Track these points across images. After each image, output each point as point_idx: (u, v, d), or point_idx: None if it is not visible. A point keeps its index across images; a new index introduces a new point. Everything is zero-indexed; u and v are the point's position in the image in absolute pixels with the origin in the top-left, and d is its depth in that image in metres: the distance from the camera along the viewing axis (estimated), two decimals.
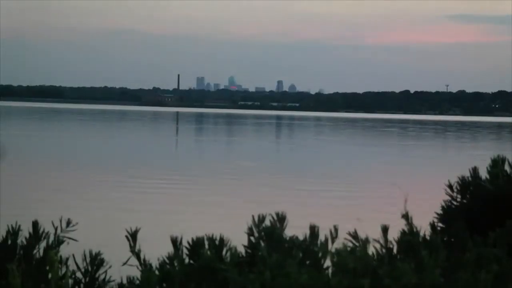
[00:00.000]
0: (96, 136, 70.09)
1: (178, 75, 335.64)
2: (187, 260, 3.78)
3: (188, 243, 3.81)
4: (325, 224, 4.05)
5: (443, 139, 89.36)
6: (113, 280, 3.94)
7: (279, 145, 66.16)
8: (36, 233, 4.12)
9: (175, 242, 3.84)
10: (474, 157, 46.92)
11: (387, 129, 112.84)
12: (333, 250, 3.73)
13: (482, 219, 4.50)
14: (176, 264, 3.75)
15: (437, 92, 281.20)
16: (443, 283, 3.59)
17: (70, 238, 4.17)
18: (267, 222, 3.89)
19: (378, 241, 3.95)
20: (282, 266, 3.55)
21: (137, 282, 3.70)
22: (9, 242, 4.09)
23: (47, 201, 24.74)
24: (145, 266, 3.83)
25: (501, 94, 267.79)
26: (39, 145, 53.16)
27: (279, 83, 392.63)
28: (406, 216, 4.21)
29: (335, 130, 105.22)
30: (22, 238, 4.11)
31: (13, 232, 4.10)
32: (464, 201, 4.72)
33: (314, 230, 3.85)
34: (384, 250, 3.94)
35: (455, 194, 4.75)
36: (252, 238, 3.86)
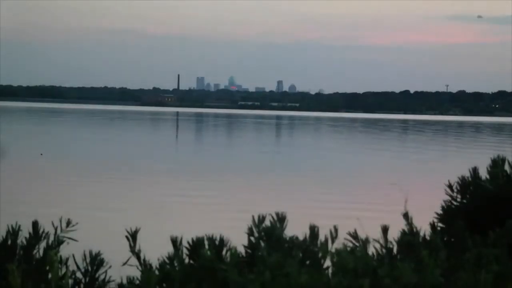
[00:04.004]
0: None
1: (178, 75, 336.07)
2: (187, 260, 3.77)
3: (188, 243, 3.81)
4: None
5: None
6: (113, 280, 3.93)
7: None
8: (36, 233, 4.12)
9: (175, 242, 3.83)
10: None
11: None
12: (333, 250, 3.73)
13: (482, 219, 4.50)
14: (176, 264, 3.74)
15: (437, 92, 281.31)
16: (443, 283, 3.59)
17: (70, 238, 4.17)
18: (267, 222, 3.89)
19: (378, 241, 3.95)
20: (282, 266, 3.55)
21: (137, 282, 3.70)
22: (9, 242, 4.09)
23: None
24: (145, 266, 3.83)
25: (501, 94, 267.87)
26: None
27: (279, 83, 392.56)
28: (406, 216, 4.21)
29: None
30: (22, 238, 4.11)
31: (13, 232, 4.10)
32: (464, 201, 4.72)
33: (314, 230, 3.85)
34: (384, 250, 3.94)
35: (455, 194, 4.75)
36: (252, 238, 3.86)
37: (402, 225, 4.17)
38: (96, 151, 50.57)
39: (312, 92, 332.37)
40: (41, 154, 44.63)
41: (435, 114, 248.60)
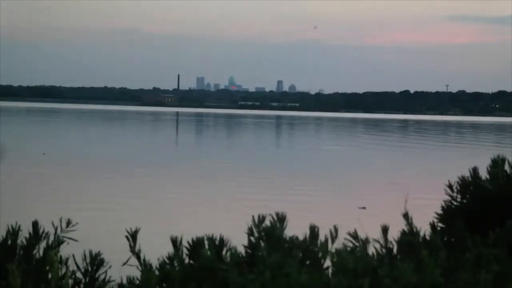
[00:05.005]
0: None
1: (178, 75, 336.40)
2: (187, 260, 3.77)
3: (188, 243, 3.81)
4: None
5: None
6: (113, 280, 3.93)
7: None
8: (36, 233, 4.12)
9: (175, 242, 3.83)
10: None
11: None
12: (333, 250, 3.73)
13: (482, 219, 4.50)
14: (176, 264, 3.74)
15: (437, 92, 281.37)
16: (443, 283, 3.59)
17: (70, 238, 4.17)
18: (267, 222, 3.89)
19: (378, 241, 3.95)
20: (282, 266, 3.55)
21: (137, 282, 3.70)
22: (9, 242, 4.09)
23: None
24: (145, 266, 3.83)
25: (501, 94, 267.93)
26: None
27: (279, 83, 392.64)
28: (406, 216, 4.22)
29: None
30: (22, 238, 4.11)
31: (13, 232, 4.10)
32: (464, 201, 4.72)
33: (314, 230, 3.85)
34: (384, 250, 3.95)
35: (455, 194, 4.75)
36: (252, 238, 3.86)
37: (402, 225, 4.18)
38: (97, 152, 50.57)
39: (312, 92, 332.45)
40: (44, 154, 44.71)
41: (435, 114, 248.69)
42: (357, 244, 3.87)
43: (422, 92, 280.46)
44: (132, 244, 3.92)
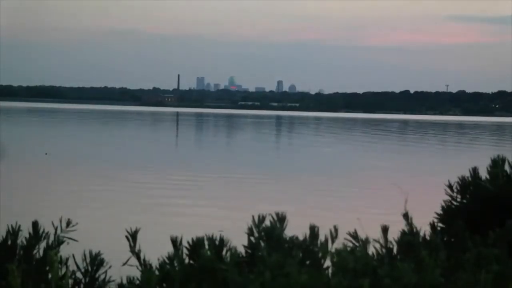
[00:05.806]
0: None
1: (178, 75, 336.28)
2: (187, 260, 3.77)
3: (188, 243, 3.81)
4: None
5: None
6: (113, 280, 3.93)
7: None
8: (36, 233, 4.12)
9: (175, 242, 3.83)
10: None
11: None
12: (333, 250, 3.73)
13: (482, 219, 4.50)
14: (176, 264, 3.74)
15: (437, 92, 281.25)
16: (443, 283, 3.59)
17: (70, 238, 4.17)
18: (267, 222, 3.89)
19: (378, 241, 3.95)
20: (282, 266, 3.55)
21: (137, 282, 3.70)
22: (9, 242, 4.09)
23: None
24: (145, 266, 3.83)
25: (501, 94, 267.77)
26: None
27: (279, 83, 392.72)
28: (406, 216, 4.22)
29: None
30: (22, 238, 4.11)
31: (13, 232, 4.10)
32: (464, 201, 4.72)
33: (314, 230, 3.85)
34: (384, 250, 3.95)
35: (455, 194, 4.75)
36: (252, 238, 3.86)
37: (402, 225, 4.18)
38: (97, 152, 50.57)
39: (312, 92, 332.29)
40: (46, 154, 44.66)
41: (435, 114, 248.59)
42: (357, 244, 3.87)
43: (422, 92, 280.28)
44: (132, 244, 3.92)
